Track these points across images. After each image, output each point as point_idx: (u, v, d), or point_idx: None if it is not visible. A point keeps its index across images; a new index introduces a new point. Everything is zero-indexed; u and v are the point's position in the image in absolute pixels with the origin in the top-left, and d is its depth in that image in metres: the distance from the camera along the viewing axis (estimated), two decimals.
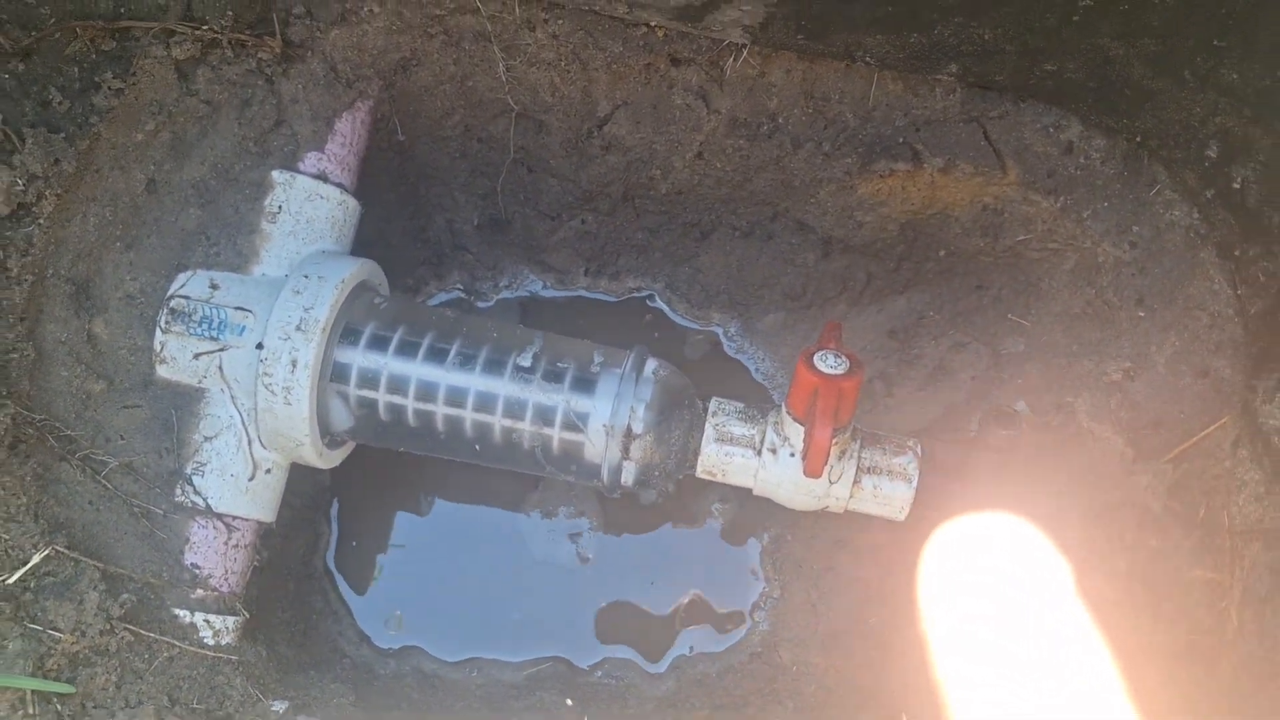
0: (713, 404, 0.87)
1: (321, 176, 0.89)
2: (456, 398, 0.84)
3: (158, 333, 0.83)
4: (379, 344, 0.85)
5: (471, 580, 1.09)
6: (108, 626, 0.76)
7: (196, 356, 0.83)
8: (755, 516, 1.12)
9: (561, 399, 0.84)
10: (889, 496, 0.83)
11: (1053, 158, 0.90)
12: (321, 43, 0.88)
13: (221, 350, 0.83)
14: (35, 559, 0.75)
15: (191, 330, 0.83)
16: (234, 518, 0.84)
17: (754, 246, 1.10)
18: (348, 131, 0.91)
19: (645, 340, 1.16)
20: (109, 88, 0.82)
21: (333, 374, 0.84)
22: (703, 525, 1.12)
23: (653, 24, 0.88)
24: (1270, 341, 0.78)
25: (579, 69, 0.92)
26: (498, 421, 0.85)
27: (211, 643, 0.82)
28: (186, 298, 0.83)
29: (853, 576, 1.04)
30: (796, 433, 0.82)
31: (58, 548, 0.76)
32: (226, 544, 0.84)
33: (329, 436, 0.87)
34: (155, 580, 0.80)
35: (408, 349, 0.85)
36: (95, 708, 0.74)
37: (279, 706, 0.82)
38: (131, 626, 0.77)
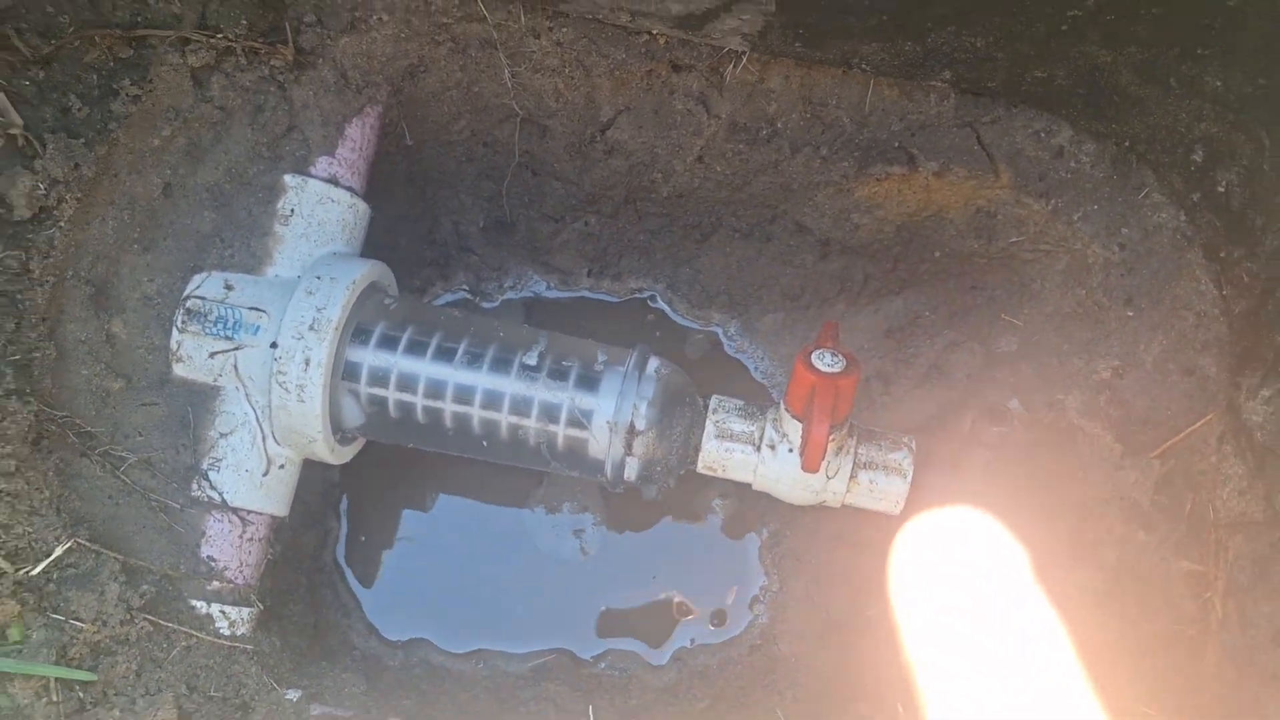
0: (713, 401, 0.89)
1: (332, 180, 0.91)
2: (464, 395, 0.86)
3: (174, 332, 0.85)
4: (389, 343, 0.87)
5: (477, 574, 1.11)
6: (128, 617, 0.78)
7: (212, 355, 0.85)
8: (755, 512, 1.14)
9: (566, 396, 0.86)
10: (885, 491, 0.85)
11: (1044, 162, 0.92)
12: (332, 50, 0.90)
13: (236, 349, 0.85)
14: (58, 551, 0.77)
15: (207, 330, 0.85)
16: (249, 512, 0.87)
17: (753, 248, 1.12)
18: (357, 136, 0.93)
19: (647, 340, 1.18)
20: (126, 94, 0.84)
21: (344, 372, 0.86)
22: (704, 520, 1.14)
23: (654, 32, 0.90)
24: (1253, 340, 0.80)
25: (582, 75, 0.94)
26: (504, 418, 0.87)
27: (227, 633, 0.84)
28: (202, 298, 0.86)
29: (850, 570, 1.06)
30: (795, 429, 0.84)
31: (79, 540, 0.78)
32: (241, 537, 0.87)
33: (340, 433, 0.89)
34: (173, 572, 0.83)
35: (417, 348, 0.87)
36: (116, 695, 0.76)
37: (293, 695, 0.84)
38: (150, 617, 0.80)
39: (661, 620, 1.10)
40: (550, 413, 0.86)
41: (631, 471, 0.87)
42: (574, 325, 1.18)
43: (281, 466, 0.88)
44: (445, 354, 0.87)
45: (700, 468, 0.89)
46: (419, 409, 0.87)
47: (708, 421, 0.88)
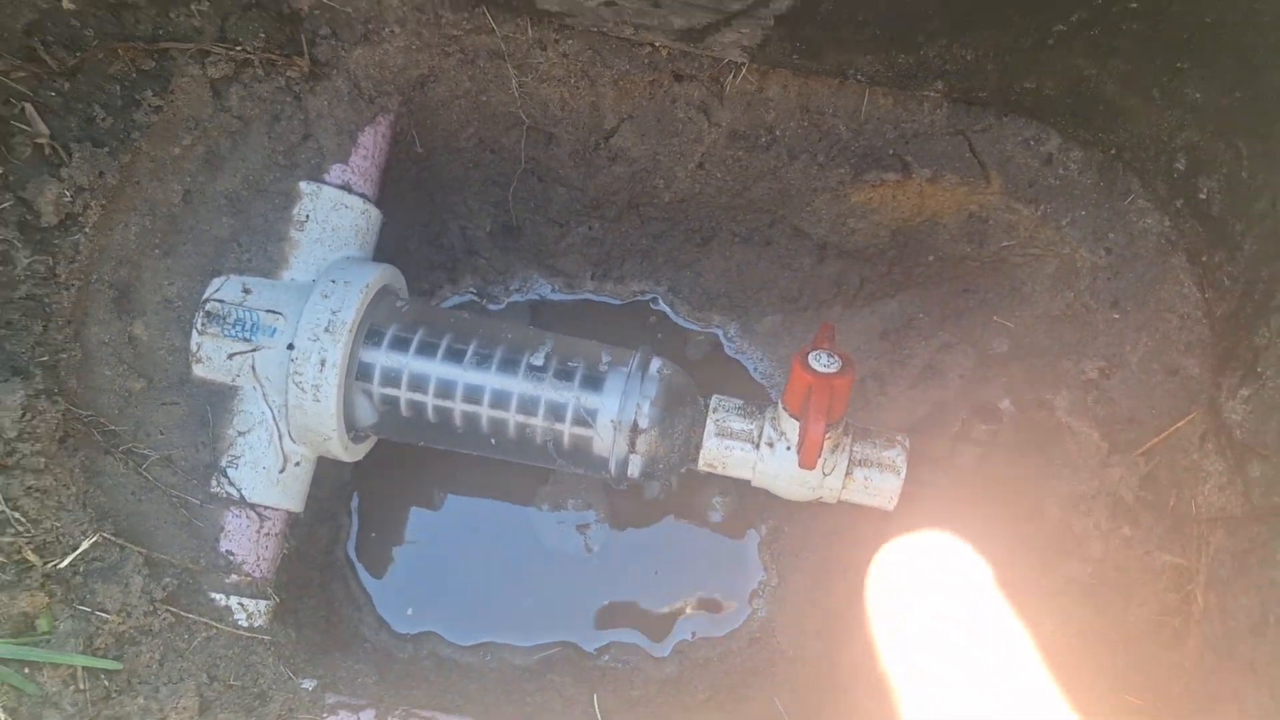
0: (713, 401, 0.92)
1: (346, 187, 0.94)
2: (473, 395, 0.89)
3: (194, 334, 0.88)
4: (401, 345, 0.90)
5: (484, 569, 1.13)
6: (151, 608, 0.81)
7: (230, 356, 0.88)
8: (754, 508, 1.16)
9: (572, 396, 0.89)
10: (879, 488, 0.88)
11: (1033, 169, 0.95)
12: (346, 61, 0.93)
13: (254, 351, 0.88)
14: (84, 545, 0.80)
15: (226, 332, 0.88)
16: (265, 508, 0.90)
17: (753, 252, 1.14)
18: (370, 144, 0.96)
19: (649, 341, 1.20)
20: (149, 105, 0.87)
21: (358, 373, 0.89)
22: (704, 517, 1.16)
23: (657, 44, 0.93)
24: (1233, 342, 0.83)
25: (587, 85, 0.97)
26: (512, 417, 0.90)
27: (245, 624, 0.87)
28: (221, 301, 0.89)
29: (847, 565, 1.09)
30: (792, 428, 0.87)
31: (105, 535, 0.81)
32: (259, 532, 0.90)
33: (354, 431, 0.92)
34: (193, 565, 0.86)
35: (427, 349, 0.90)
36: (140, 684, 0.79)
37: (308, 684, 0.87)
38: (172, 608, 0.82)
39: (663, 614, 1.13)
40: (556, 411, 0.89)
41: (635, 468, 0.90)
42: (578, 327, 1.20)
43: (297, 464, 0.91)
44: (455, 355, 0.90)
45: (701, 465, 0.92)
46: (430, 408, 0.90)
47: (708, 420, 0.90)
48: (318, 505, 1.06)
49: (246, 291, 0.89)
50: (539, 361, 0.90)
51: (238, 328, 0.88)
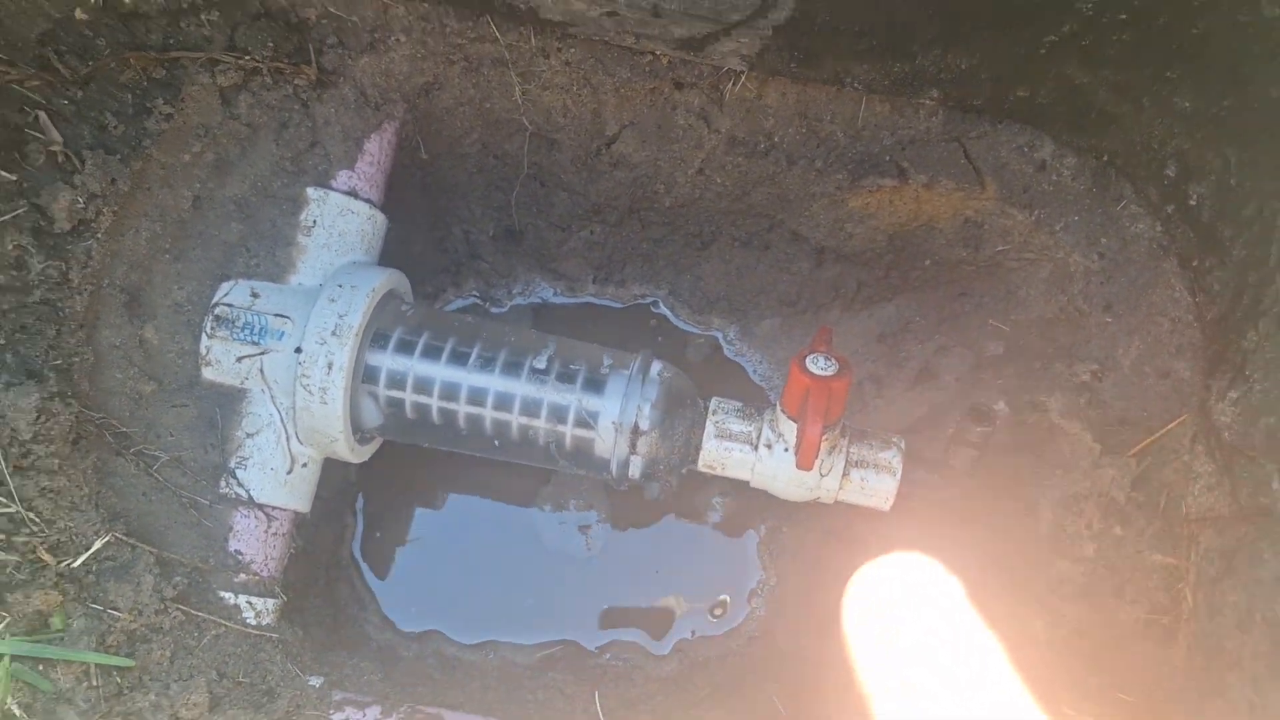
0: (713, 403, 0.94)
1: (352, 193, 0.95)
2: (477, 397, 0.91)
3: (203, 338, 0.90)
4: (406, 348, 0.91)
5: (487, 568, 1.15)
6: (162, 606, 0.82)
7: (239, 359, 0.90)
8: (753, 509, 1.18)
9: (574, 398, 0.91)
10: (875, 488, 0.90)
11: (1027, 175, 0.97)
12: (352, 69, 0.95)
13: (262, 354, 0.90)
14: (97, 545, 0.81)
15: (234, 335, 0.90)
16: (273, 508, 0.91)
17: (752, 256, 1.16)
18: (375, 151, 0.97)
19: (650, 344, 1.22)
20: (159, 113, 0.89)
21: (364, 375, 0.90)
22: (704, 517, 1.18)
23: (658, 53, 0.94)
24: (1223, 345, 0.85)
25: (589, 92, 0.99)
26: (515, 419, 0.91)
27: (253, 623, 0.89)
28: (230, 305, 0.90)
29: (844, 565, 1.10)
30: (790, 430, 0.88)
31: (116, 534, 0.83)
32: (266, 532, 0.91)
33: (360, 433, 0.94)
34: (203, 565, 0.87)
35: (432, 352, 0.91)
36: (151, 680, 0.81)
37: (315, 681, 0.88)
38: (183, 607, 0.84)
39: (663, 613, 1.14)
40: (559, 414, 0.91)
41: (635, 469, 0.92)
42: (580, 330, 1.21)
43: (304, 465, 0.93)
44: (459, 358, 0.92)
45: (700, 466, 0.93)
46: (434, 410, 0.92)
47: (708, 422, 0.92)
48: (323, 506, 1.08)
49: (255, 296, 0.91)
50: (542, 364, 0.92)
51: (246, 331, 0.90)
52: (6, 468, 0.78)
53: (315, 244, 0.93)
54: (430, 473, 1.17)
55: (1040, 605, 0.90)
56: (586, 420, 0.90)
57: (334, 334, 0.87)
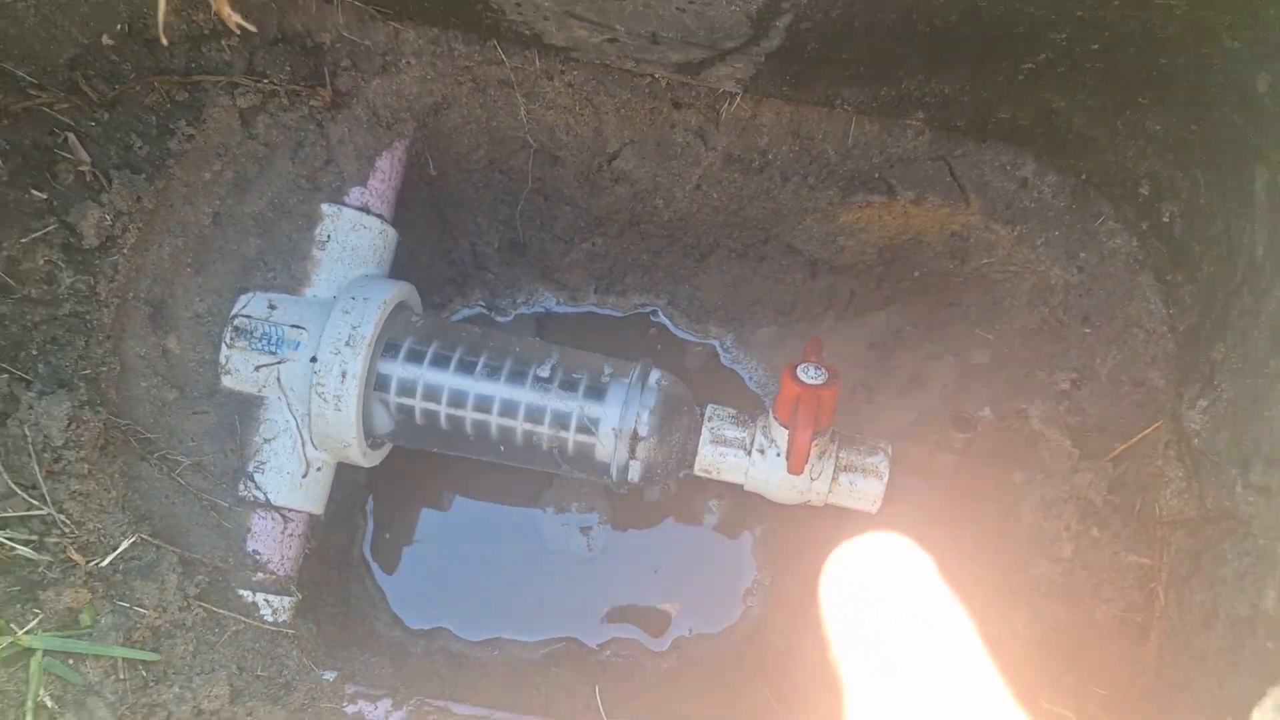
0: (709, 410, 0.97)
1: (364, 209, 1.00)
2: (484, 404, 0.94)
3: (223, 348, 0.94)
4: (416, 357, 0.95)
5: (492, 568, 1.19)
6: (185, 604, 0.86)
7: (257, 369, 0.94)
8: (748, 511, 1.21)
9: (576, 406, 0.95)
10: (863, 491, 0.94)
11: (1010, 192, 1.01)
12: (365, 91, 0.99)
13: (279, 363, 0.94)
14: (124, 545, 0.85)
15: (253, 345, 0.94)
16: (289, 510, 0.96)
17: (748, 267, 1.19)
18: (387, 168, 1.02)
19: (649, 352, 1.25)
20: (182, 133, 0.93)
21: (376, 384, 0.94)
22: (701, 519, 1.22)
23: (656, 75, 0.98)
24: (1194, 356, 0.89)
25: (591, 112, 1.03)
26: (520, 425, 0.95)
27: (270, 619, 0.93)
28: (248, 317, 0.94)
29: None
30: (782, 435, 0.92)
31: (142, 535, 0.87)
32: (283, 533, 0.96)
33: (372, 438, 0.98)
34: (223, 564, 0.92)
35: (441, 361, 0.95)
36: (175, 674, 0.84)
37: (329, 676, 0.93)
38: (204, 604, 0.88)
39: (662, 612, 1.18)
40: (561, 420, 0.95)
41: (635, 473, 0.95)
42: (582, 338, 1.26)
43: (319, 469, 0.97)
44: (466, 367, 0.95)
45: (697, 470, 0.97)
46: (442, 416, 0.96)
47: (704, 428, 0.95)
48: (335, 508, 1.12)
49: (272, 307, 0.95)
50: (545, 373, 0.96)
51: (264, 342, 0.94)
52: (40, 472, 0.82)
53: (329, 258, 0.97)
54: (437, 476, 1.20)
55: (1021, 603, 0.94)
56: (588, 426, 0.94)
57: (348, 344, 0.91)
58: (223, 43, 0.93)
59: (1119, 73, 0.79)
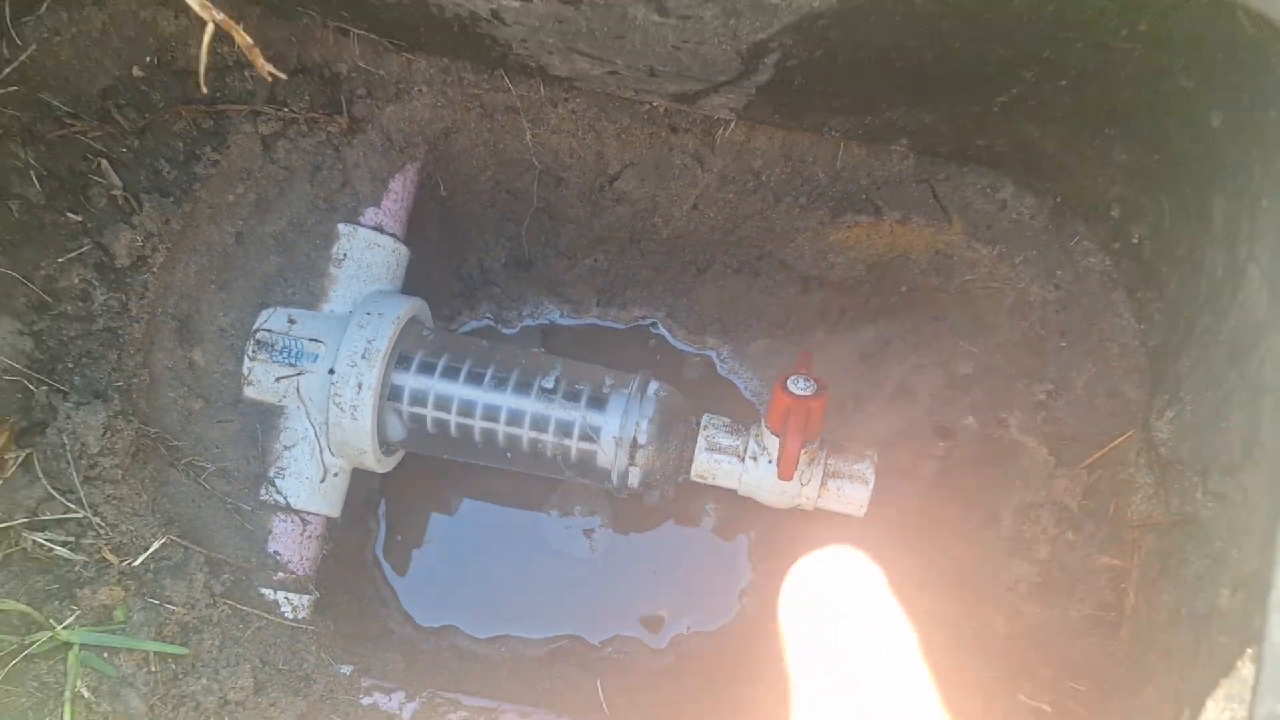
0: (704, 419, 1.02)
1: (378, 228, 1.05)
2: (491, 414, 0.99)
3: (245, 360, 0.99)
4: (427, 369, 1.00)
5: (499, 569, 1.23)
6: (211, 601, 0.92)
7: (278, 380, 0.99)
8: (743, 515, 1.25)
9: (578, 415, 0.99)
10: (850, 497, 0.98)
11: (990, 213, 1.05)
12: (379, 117, 1.04)
13: (298, 375, 0.99)
14: (154, 546, 0.91)
15: (274, 358, 0.99)
16: (308, 513, 1.01)
17: (743, 282, 1.24)
18: (399, 189, 1.07)
19: (649, 362, 1.30)
20: (207, 159, 0.99)
21: (389, 394, 0.99)
22: (698, 522, 1.26)
23: (655, 103, 1.04)
24: (1162, 369, 0.94)
25: (593, 136, 1.08)
26: (525, 434, 0.99)
27: (291, 616, 0.98)
28: (269, 330, 1.00)
29: None
30: (773, 444, 0.96)
31: (172, 537, 0.92)
32: (302, 535, 1.01)
33: (385, 446, 1.03)
34: (246, 564, 0.97)
35: (451, 373, 1.00)
36: (203, 666, 0.89)
37: (346, 669, 0.98)
38: (230, 601, 0.93)
39: (661, 610, 1.23)
40: (565, 429, 0.99)
41: (634, 479, 1.00)
42: (584, 349, 1.30)
43: (336, 475, 1.02)
44: (475, 378, 1.00)
45: (693, 476, 1.01)
46: (452, 425, 1.00)
47: (699, 436, 1.00)
48: (349, 511, 1.17)
49: (292, 322, 1.00)
50: (549, 384, 1.01)
51: (284, 354, 0.99)
52: (77, 478, 0.88)
53: (345, 275, 1.03)
54: (447, 481, 1.25)
55: (1000, 603, 0.99)
56: (590, 435, 0.99)
57: (363, 357, 0.96)
58: (246, 73, 0.99)
59: (1086, 107, 0.84)
